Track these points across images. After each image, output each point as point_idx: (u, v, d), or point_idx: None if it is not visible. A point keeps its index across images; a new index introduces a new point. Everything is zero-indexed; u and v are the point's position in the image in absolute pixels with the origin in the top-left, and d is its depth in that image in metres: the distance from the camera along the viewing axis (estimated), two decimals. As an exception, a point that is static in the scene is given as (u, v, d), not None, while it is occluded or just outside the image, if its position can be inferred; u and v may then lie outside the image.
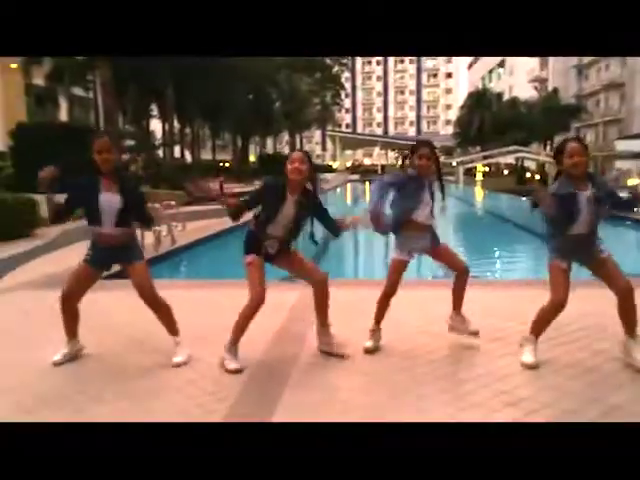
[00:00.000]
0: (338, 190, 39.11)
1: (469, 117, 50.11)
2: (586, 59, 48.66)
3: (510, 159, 46.08)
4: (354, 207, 24.63)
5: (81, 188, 3.89)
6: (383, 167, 69.85)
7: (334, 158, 75.27)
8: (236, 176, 35.96)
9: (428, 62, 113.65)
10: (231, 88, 31.37)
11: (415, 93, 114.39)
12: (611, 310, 3.83)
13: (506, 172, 50.25)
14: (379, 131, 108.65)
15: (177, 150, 37.95)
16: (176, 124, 35.68)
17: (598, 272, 3.77)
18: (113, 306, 5.49)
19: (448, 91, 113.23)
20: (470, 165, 46.32)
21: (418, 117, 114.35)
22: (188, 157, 40.77)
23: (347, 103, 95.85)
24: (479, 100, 50.16)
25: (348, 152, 78.99)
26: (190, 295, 5.87)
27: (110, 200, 3.82)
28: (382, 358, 4.03)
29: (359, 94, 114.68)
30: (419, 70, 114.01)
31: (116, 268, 4.18)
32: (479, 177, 46.20)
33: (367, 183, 47.40)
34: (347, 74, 73.08)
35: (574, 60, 50.52)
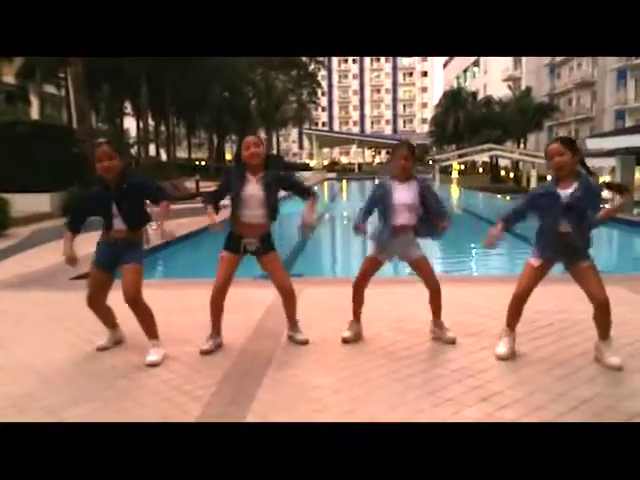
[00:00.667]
0: (315, 188, 39.13)
1: (445, 116, 50.52)
2: (558, 58, 49.39)
3: (485, 157, 46.59)
4: (331, 205, 24.67)
5: (92, 201, 4.05)
6: (360, 165, 70.08)
7: (311, 156, 75.28)
8: (212, 175, 35.76)
9: (404, 60, 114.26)
10: (206, 86, 31.18)
11: (391, 92, 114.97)
12: (583, 306, 3.90)
13: (481, 170, 50.85)
14: (356, 129, 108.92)
15: (152, 148, 37.58)
16: (151, 122, 35.34)
17: (578, 280, 3.73)
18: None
19: (424, 90, 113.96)
20: (446, 163, 46.71)
21: (394, 115, 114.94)
22: (163, 155, 40.40)
23: (324, 101, 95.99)
24: (454, 99, 50.58)
25: (325, 150, 79.07)
26: (165, 294, 5.83)
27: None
28: (358, 355, 4.05)
29: (335, 92, 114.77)
30: (395, 69, 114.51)
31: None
32: (455, 175, 46.62)
33: (344, 181, 47.56)
34: (323, 72, 72.98)
35: (547, 59, 51.28)
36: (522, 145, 46.23)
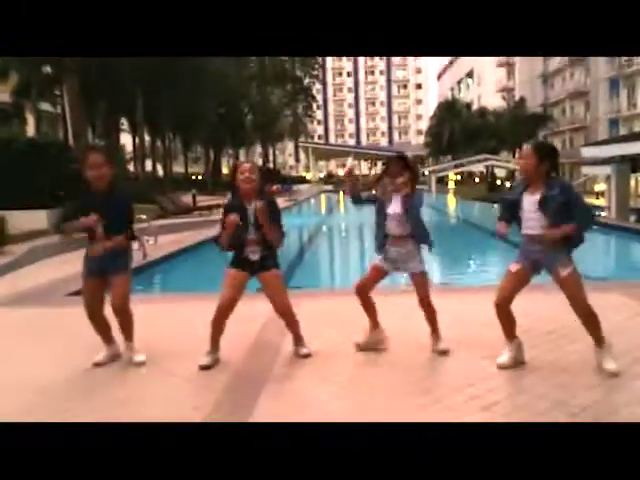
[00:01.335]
0: (312, 201, 39.17)
1: (440, 127, 50.82)
2: (551, 68, 49.79)
3: (481, 167, 46.79)
4: (328, 218, 24.69)
5: (81, 204, 4.05)
6: (357, 177, 70.10)
7: (307, 169, 75.43)
8: (209, 189, 35.81)
9: (398, 73, 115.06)
10: (201, 101, 31.30)
11: (386, 104, 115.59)
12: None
13: (477, 180, 51.00)
14: (351, 142, 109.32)
15: (149, 163, 37.65)
16: (147, 137, 35.44)
17: (561, 289, 3.73)
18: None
19: (418, 102, 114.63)
20: (442, 174, 46.88)
21: (389, 128, 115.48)
22: (160, 170, 40.46)
23: (319, 115, 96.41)
24: (449, 110, 50.94)
25: (321, 163, 79.29)
26: (164, 308, 5.81)
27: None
28: (357, 365, 4.04)
29: (331, 106, 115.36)
30: (389, 81, 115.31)
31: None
32: (451, 185, 46.77)
33: (341, 193, 47.63)
34: (318, 86, 73.37)
35: (539, 69, 51.68)
36: (517, 155, 46.46)
